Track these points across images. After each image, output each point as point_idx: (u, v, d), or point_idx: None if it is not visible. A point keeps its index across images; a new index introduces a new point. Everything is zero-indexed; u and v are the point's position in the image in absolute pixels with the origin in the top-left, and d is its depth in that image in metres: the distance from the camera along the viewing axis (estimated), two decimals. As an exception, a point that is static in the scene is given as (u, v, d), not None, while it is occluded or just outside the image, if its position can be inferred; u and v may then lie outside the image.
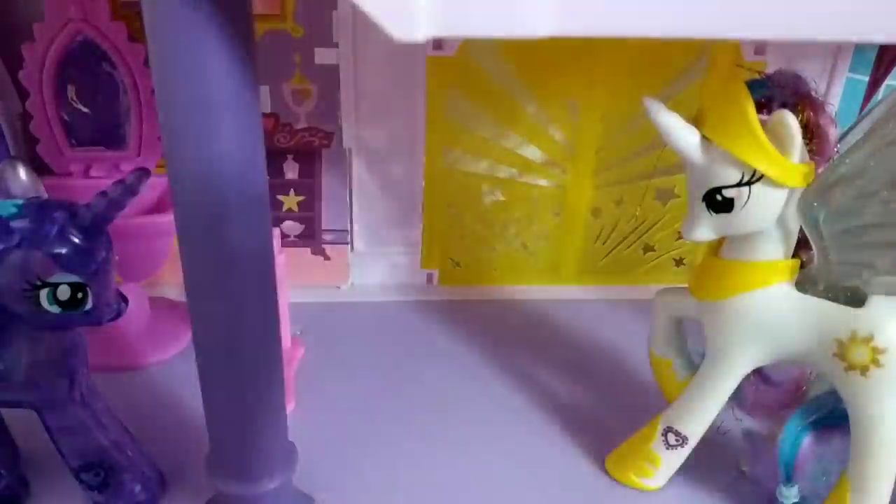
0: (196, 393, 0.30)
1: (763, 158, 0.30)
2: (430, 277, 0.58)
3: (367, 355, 0.49)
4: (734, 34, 0.20)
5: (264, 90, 0.49)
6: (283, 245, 0.53)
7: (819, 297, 0.32)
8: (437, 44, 0.49)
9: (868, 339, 0.31)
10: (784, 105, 0.30)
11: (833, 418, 0.34)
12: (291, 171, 0.52)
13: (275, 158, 0.51)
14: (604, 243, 0.57)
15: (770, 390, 0.37)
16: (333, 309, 0.54)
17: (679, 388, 0.38)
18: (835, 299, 0.32)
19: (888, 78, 0.53)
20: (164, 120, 0.24)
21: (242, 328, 0.28)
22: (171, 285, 0.53)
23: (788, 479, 0.36)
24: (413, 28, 0.18)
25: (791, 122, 0.29)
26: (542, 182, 0.54)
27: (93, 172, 0.47)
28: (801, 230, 0.32)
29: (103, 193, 0.29)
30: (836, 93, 0.53)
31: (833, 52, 0.51)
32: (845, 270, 0.31)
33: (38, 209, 0.29)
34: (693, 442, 0.37)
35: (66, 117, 0.46)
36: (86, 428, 0.33)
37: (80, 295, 0.29)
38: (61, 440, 0.34)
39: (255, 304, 0.28)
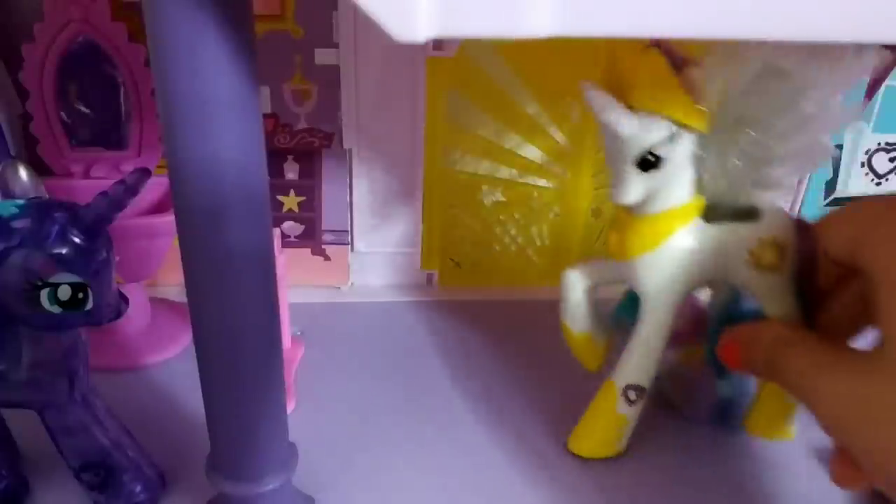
0: (196, 393, 0.30)
1: (687, 112, 0.33)
2: (430, 277, 0.58)
3: (367, 355, 0.49)
4: (734, 34, 0.20)
5: (264, 90, 0.49)
6: (284, 245, 0.53)
7: (725, 221, 0.36)
8: (437, 44, 0.49)
9: (773, 241, 0.36)
10: (675, 66, 0.34)
11: (740, 320, 0.38)
12: (292, 172, 0.52)
13: (275, 159, 0.51)
14: (604, 243, 0.57)
15: (676, 322, 0.40)
16: (333, 309, 0.54)
17: (600, 352, 0.41)
18: (737, 219, 0.36)
19: (888, 78, 0.53)
20: (164, 120, 0.24)
21: (242, 328, 0.28)
22: (171, 285, 0.53)
23: (721, 375, 0.41)
24: (414, 28, 0.18)
25: (698, 78, 0.33)
26: (542, 182, 0.54)
27: (93, 173, 0.47)
28: (698, 168, 0.36)
29: (104, 194, 0.29)
30: (836, 93, 0.53)
31: (833, 52, 0.51)
32: (741, 192, 0.36)
33: (38, 209, 0.29)
34: (648, 391, 0.39)
35: (66, 118, 0.46)
36: (86, 428, 0.33)
37: (80, 295, 0.29)
38: (61, 440, 0.34)
39: (256, 305, 0.28)
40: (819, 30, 0.20)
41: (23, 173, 0.31)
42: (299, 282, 0.54)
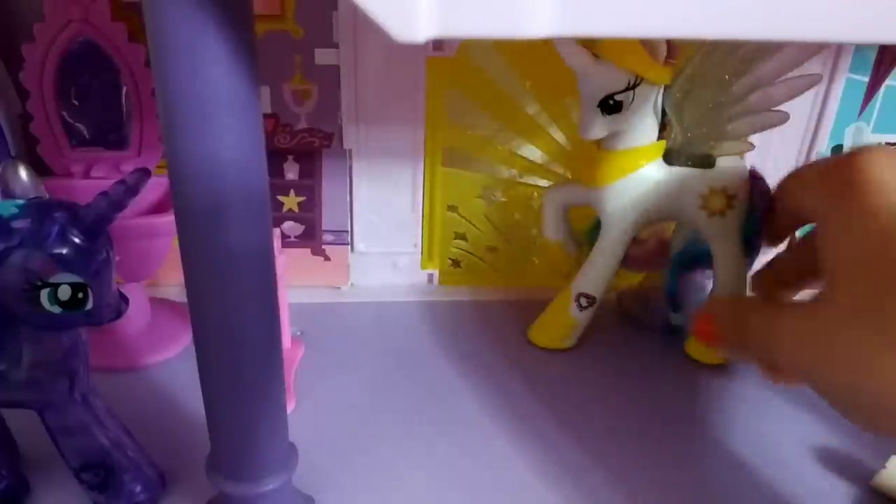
0: (196, 393, 0.30)
1: (645, 67, 0.39)
2: (430, 277, 0.58)
3: (367, 355, 0.49)
4: (734, 34, 0.20)
5: (264, 90, 0.49)
6: (284, 245, 0.53)
7: (682, 165, 0.42)
8: (437, 44, 0.49)
9: (723, 190, 0.41)
10: None
11: (697, 261, 0.45)
12: (292, 172, 0.52)
13: (275, 159, 0.51)
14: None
15: (640, 248, 0.48)
16: (333, 309, 0.54)
17: (570, 260, 0.48)
18: (693, 165, 0.42)
19: (888, 78, 0.53)
20: (164, 120, 0.24)
21: (242, 328, 0.28)
22: (171, 285, 0.53)
23: (675, 308, 0.49)
24: (414, 29, 0.18)
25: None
26: (542, 182, 0.54)
27: (93, 173, 0.47)
28: (662, 117, 0.41)
29: (104, 194, 0.29)
30: (837, 93, 0.53)
31: (833, 52, 0.51)
32: (699, 142, 0.42)
33: (39, 209, 0.29)
34: (598, 301, 0.46)
35: (66, 118, 0.46)
36: (86, 428, 0.33)
37: (80, 295, 0.29)
38: (61, 440, 0.34)
39: (256, 305, 0.28)
40: (819, 30, 0.20)
41: (23, 173, 0.31)
42: (299, 282, 0.54)
